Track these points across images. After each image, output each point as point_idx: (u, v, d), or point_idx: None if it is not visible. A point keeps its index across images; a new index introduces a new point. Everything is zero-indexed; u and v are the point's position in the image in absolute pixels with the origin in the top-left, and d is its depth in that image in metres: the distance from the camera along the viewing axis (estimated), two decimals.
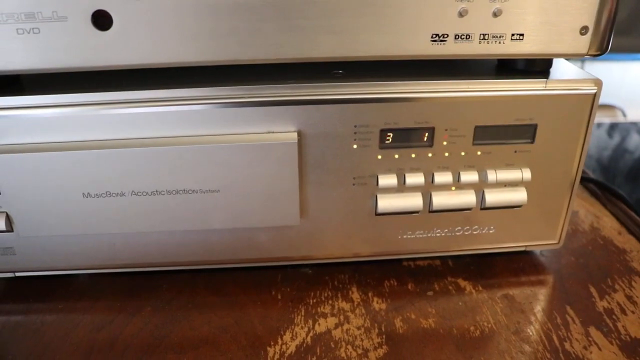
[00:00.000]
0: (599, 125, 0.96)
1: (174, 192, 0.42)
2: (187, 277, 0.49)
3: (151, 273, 0.49)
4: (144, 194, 0.42)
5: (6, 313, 0.46)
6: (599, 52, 0.42)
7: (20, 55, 0.38)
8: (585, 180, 0.65)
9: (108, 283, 0.48)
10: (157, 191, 0.42)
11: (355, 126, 0.42)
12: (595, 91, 0.44)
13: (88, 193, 0.42)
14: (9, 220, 0.43)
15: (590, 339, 0.43)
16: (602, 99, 0.45)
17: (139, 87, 0.41)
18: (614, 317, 0.45)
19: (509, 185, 0.46)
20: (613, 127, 0.96)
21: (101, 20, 0.37)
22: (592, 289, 0.48)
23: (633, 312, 0.45)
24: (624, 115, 1.16)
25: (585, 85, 0.44)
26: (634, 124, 0.97)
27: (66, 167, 0.41)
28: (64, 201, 0.42)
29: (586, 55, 0.42)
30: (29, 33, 0.37)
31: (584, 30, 0.41)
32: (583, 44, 0.41)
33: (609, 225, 0.58)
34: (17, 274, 0.47)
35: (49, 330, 0.44)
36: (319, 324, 0.44)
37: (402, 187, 0.45)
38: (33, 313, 0.46)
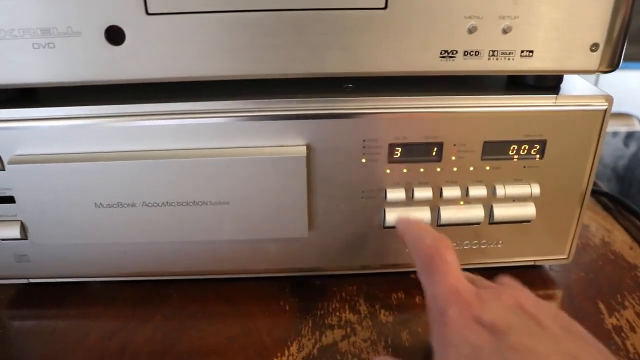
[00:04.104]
0: (615, 134, 0.95)
1: (184, 204, 0.43)
2: (196, 286, 0.49)
3: (162, 281, 0.50)
4: (155, 204, 0.43)
5: (20, 318, 0.47)
6: (609, 69, 0.42)
7: (36, 69, 0.39)
8: (597, 194, 0.64)
9: (119, 290, 0.49)
10: (167, 202, 0.43)
11: (364, 140, 0.43)
12: (605, 107, 0.43)
13: (100, 203, 0.43)
14: (23, 228, 0.44)
15: None
16: (619, 108, 0.45)
17: (150, 100, 0.41)
18: (622, 334, 0.45)
19: (517, 200, 0.46)
20: (629, 136, 0.95)
21: (114, 35, 0.38)
22: (602, 305, 0.48)
23: None
24: None
25: (596, 101, 0.43)
26: None
27: (79, 177, 0.42)
28: (76, 211, 0.43)
29: (597, 71, 0.42)
30: (44, 47, 0.38)
31: (594, 47, 0.41)
32: (593, 60, 0.41)
33: (620, 240, 0.57)
34: (31, 281, 0.48)
35: (62, 336, 0.45)
36: (325, 335, 0.44)
37: (410, 201, 0.45)
38: (46, 319, 0.47)
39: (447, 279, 0.34)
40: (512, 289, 0.33)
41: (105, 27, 0.37)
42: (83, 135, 0.41)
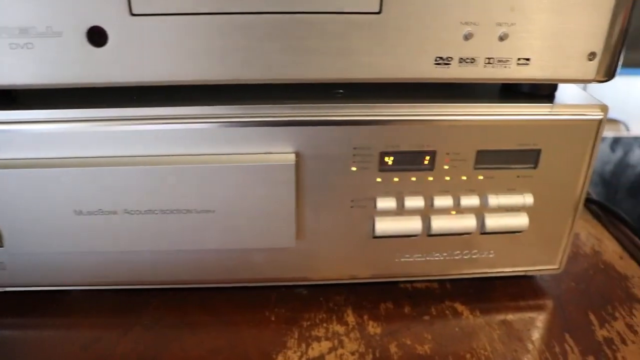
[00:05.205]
0: (602, 139, 0.95)
1: (167, 212, 0.41)
2: (180, 295, 0.48)
3: (144, 290, 0.48)
4: (137, 212, 0.41)
5: None
6: (606, 78, 0.41)
7: (13, 70, 0.37)
8: (587, 201, 0.64)
9: (99, 299, 0.47)
10: (150, 210, 0.41)
11: (354, 148, 0.41)
12: (601, 117, 0.43)
13: (80, 210, 0.41)
14: None
15: None
16: None
17: (133, 104, 0.40)
18: (613, 347, 0.44)
19: (510, 210, 0.45)
20: (616, 141, 0.95)
21: (96, 36, 0.36)
22: (592, 317, 0.47)
23: (633, 342, 0.45)
24: (628, 129, 1.15)
25: (592, 110, 0.43)
26: (637, 138, 0.96)
27: (58, 183, 0.40)
28: (55, 218, 0.41)
29: (593, 81, 0.41)
30: (22, 48, 0.36)
31: (591, 55, 0.40)
32: (590, 69, 0.40)
33: (611, 249, 0.57)
34: (7, 289, 0.47)
35: (38, 347, 0.43)
36: (312, 348, 0.43)
37: (401, 210, 0.44)
38: (22, 329, 0.45)
39: None
40: None
41: (87, 27, 0.36)
42: (62, 139, 0.40)
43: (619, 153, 0.93)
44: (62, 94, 0.40)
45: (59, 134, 0.39)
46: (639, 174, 0.88)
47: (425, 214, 0.45)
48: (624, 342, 0.45)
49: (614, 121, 1.15)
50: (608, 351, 0.44)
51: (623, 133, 1.14)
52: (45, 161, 0.40)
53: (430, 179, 0.43)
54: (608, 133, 0.98)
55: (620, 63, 0.41)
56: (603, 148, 0.93)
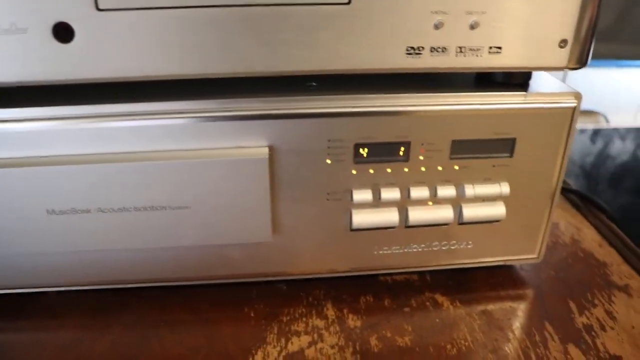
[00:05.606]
0: (582, 131, 0.96)
1: (141, 209, 0.41)
2: (158, 294, 0.47)
3: (121, 290, 0.47)
4: (111, 210, 0.41)
5: None
6: (578, 66, 0.41)
7: None
8: (566, 191, 0.64)
9: (77, 300, 0.47)
10: (124, 208, 0.41)
11: (329, 140, 0.41)
12: (575, 105, 0.43)
13: (52, 209, 0.40)
14: None
15: (568, 356, 0.42)
16: (586, 105, 0.45)
17: (103, 101, 0.39)
18: (593, 333, 0.44)
19: (487, 199, 0.45)
20: (596, 133, 0.96)
21: (62, 32, 0.35)
22: (572, 304, 0.47)
23: (612, 328, 0.45)
24: (607, 121, 1.16)
25: (565, 98, 0.43)
26: (616, 130, 0.97)
27: (29, 183, 0.39)
28: (26, 218, 0.41)
29: (565, 68, 0.41)
30: None
31: (563, 43, 0.40)
32: (562, 57, 0.40)
33: (590, 238, 0.57)
34: None
35: (16, 351, 0.42)
36: (291, 342, 0.43)
37: (377, 202, 0.44)
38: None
39: None
40: None
41: (52, 23, 0.35)
42: (32, 138, 0.39)
43: (599, 144, 0.93)
44: (30, 92, 0.40)
45: (28, 133, 0.39)
46: (619, 165, 0.89)
47: (402, 205, 0.44)
48: (603, 328, 0.45)
49: (593, 113, 1.16)
50: (587, 338, 0.44)
51: (603, 125, 1.14)
52: (15, 160, 0.39)
53: (406, 170, 0.43)
54: (588, 125, 0.99)
55: (591, 50, 0.41)
56: (583, 140, 0.94)
